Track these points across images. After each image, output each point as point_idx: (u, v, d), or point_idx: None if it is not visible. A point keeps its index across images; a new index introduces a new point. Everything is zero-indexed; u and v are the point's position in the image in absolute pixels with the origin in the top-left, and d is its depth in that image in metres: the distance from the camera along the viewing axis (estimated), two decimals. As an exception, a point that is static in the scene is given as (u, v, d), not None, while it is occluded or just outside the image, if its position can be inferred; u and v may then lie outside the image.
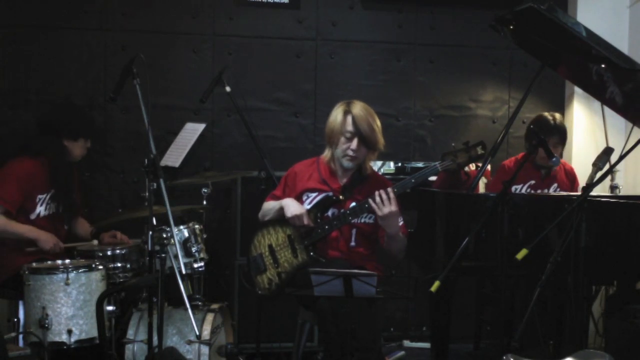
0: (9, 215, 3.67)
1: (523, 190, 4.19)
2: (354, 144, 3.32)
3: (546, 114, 4.22)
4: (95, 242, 3.90)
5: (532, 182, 4.21)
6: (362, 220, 3.40)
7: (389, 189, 3.20)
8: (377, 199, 3.18)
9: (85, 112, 4.21)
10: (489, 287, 4.31)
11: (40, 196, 3.78)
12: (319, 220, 3.36)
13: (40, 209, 3.78)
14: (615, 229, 3.40)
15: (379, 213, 3.19)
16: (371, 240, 3.48)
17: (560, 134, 4.14)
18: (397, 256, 3.44)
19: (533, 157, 4.07)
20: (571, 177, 4.34)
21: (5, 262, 3.70)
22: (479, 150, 3.22)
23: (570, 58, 3.73)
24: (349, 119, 3.32)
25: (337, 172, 3.47)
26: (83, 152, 3.96)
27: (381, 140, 3.38)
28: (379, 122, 3.38)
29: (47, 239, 3.70)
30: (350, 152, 3.35)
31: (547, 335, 3.93)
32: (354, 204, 3.37)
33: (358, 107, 3.35)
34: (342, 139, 3.35)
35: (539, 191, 4.21)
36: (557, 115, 4.22)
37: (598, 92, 3.96)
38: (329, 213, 3.40)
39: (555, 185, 4.26)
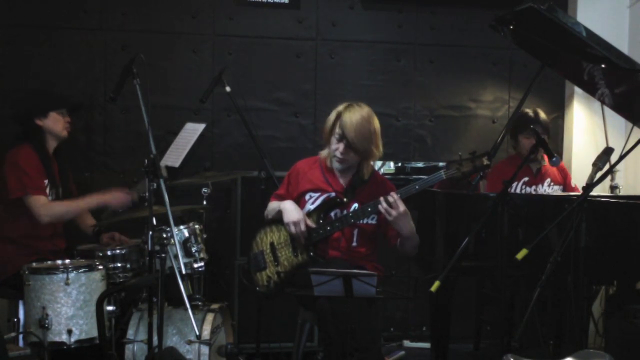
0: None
1: (518, 188, 4.22)
2: (341, 147, 3.32)
3: (526, 110, 4.28)
4: (136, 193, 3.93)
5: (526, 179, 4.25)
6: (365, 221, 3.40)
7: (393, 193, 3.20)
8: (384, 204, 3.17)
9: (47, 88, 4.20)
10: (489, 287, 4.31)
11: (45, 180, 3.77)
12: (321, 222, 3.36)
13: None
14: (615, 229, 3.40)
15: (389, 218, 3.18)
16: (373, 240, 3.48)
17: (541, 125, 4.19)
18: (411, 253, 3.43)
19: (521, 154, 4.19)
20: (562, 170, 4.38)
21: (5, 262, 3.69)
22: (485, 161, 3.19)
23: (570, 58, 3.73)
24: (339, 122, 3.31)
25: (335, 172, 3.47)
26: (65, 126, 3.87)
27: (374, 148, 3.33)
28: (376, 130, 3.33)
29: (114, 198, 3.77)
30: (337, 154, 3.35)
31: (547, 335, 3.93)
32: (355, 205, 3.38)
33: (352, 113, 3.30)
34: (332, 139, 3.35)
35: (533, 187, 4.25)
36: (538, 110, 4.30)
37: (597, 92, 3.96)
38: (332, 214, 3.40)
39: (549, 179, 4.29)
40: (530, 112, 4.27)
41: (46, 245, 3.77)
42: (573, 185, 4.38)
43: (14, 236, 3.72)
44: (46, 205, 3.67)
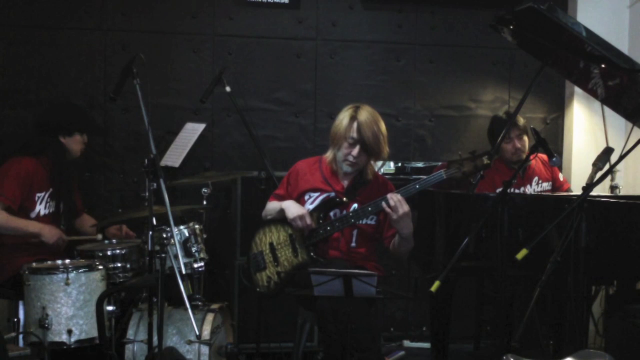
0: (11, 211, 3.67)
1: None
2: (356, 151, 3.32)
3: (499, 114, 4.27)
4: (99, 236, 3.91)
5: (514, 181, 4.21)
6: (364, 222, 3.40)
7: (397, 193, 3.20)
8: (392, 202, 3.17)
9: (79, 107, 4.21)
10: (489, 287, 4.31)
11: (39, 194, 3.78)
12: (321, 222, 3.36)
13: (40, 208, 3.78)
14: (615, 229, 3.40)
15: (394, 216, 3.17)
16: (372, 241, 3.48)
17: (516, 126, 4.14)
18: (404, 255, 3.45)
19: (504, 158, 4.17)
20: (549, 166, 4.34)
21: (5, 262, 3.69)
22: (485, 160, 3.19)
23: (570, 58, 3.73)
24: (354, 125, 3.29)
25: (338, 173, 3.47)
26: (81, 148, 3.96)
27: (385, 149, 3.35)
28: (384, 130, 3.35)
29: (50, 233, 3.70)
30: (350, 158, 3.35)
31: (547, 335, 3.93)
32: (355, 205, 3.38)
33: (365, 114, 3.31)
34: (345, 144, 3.34)
35: (522, 188, 4.22)
36: (510, 112, 4.24)
37: (597, 92, 3.97)
38: (331, 214, 3.40)
39: (537, 178, 4.27)
40: (504, 116, 4.23)
41: (45, 248, 3.77)
42: (562, 179, 4.36)
43: (13, 241, 3.72)
44: None
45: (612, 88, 3.71)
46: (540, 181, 4.27)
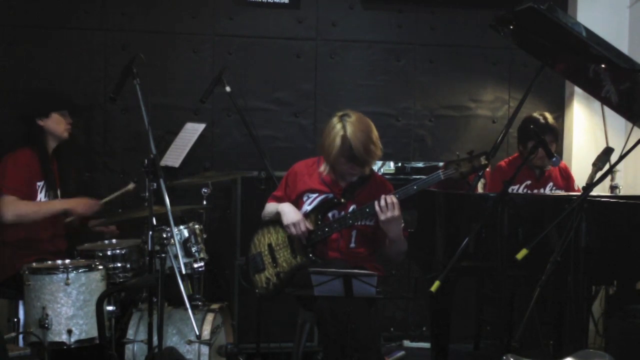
0: None
1: (520, 191, 4.20)
2: (355, 167, 3.31)
3: (535, 114, 4.24)
4: (132, 185, 4.01)
5: (528, 182, 4.22)
6: (363, 222, 3.39)
7: (392, 195, 3.20)
8: (382, 202, 3.17)
9: (50, 88, 4.22)
10: (489, 287, 4.31)
11: (39, 183, 3.78)
12: (319, 223, 3.36)
13: (41, 196, 3.78)
14: (615, 229, 3.40)
15: (382, 217, 3.17)
16: (371, 241, 3.47)
17: (552, 132, 4.16)
18: (396, 259, 3.46)
19: (533, 162, 4.13)
20: (565, 174, 4.36)
21: (5, 262, 3.69)
22: (483, 161, 3.18)
23: (570, 58, 3.73)
24: (347, 145, 3.23)
25: (337, 175, 3.46)
26: (66, 128, 3.87)
27: (379, 153, 3.32)
28: (375, 135, 3.30)
29: (81, 204, 3.76)
30: (352, 171, 3.35)
31: (547, 335, 3.93)
32: (353, 206, 3.37)
33: (352, 129, 3.23)
34: (342, 160, 3.30)
35: (535, 191, 4.22)
36: (547, 114, 4.24)
37: (597, 91, 3.96)
38: (329, 215, 3.40)
39: (551, 184, 4.27)
40: (539, 117, 4.18)
41: (47, 247, 3.78)
42: (576, 189, 4.35)
43: (14, 240, 3.72)
44: (11, 204, 3.64)
45: (623, 92, 3.70)
46: (554, 187, 4.26)
